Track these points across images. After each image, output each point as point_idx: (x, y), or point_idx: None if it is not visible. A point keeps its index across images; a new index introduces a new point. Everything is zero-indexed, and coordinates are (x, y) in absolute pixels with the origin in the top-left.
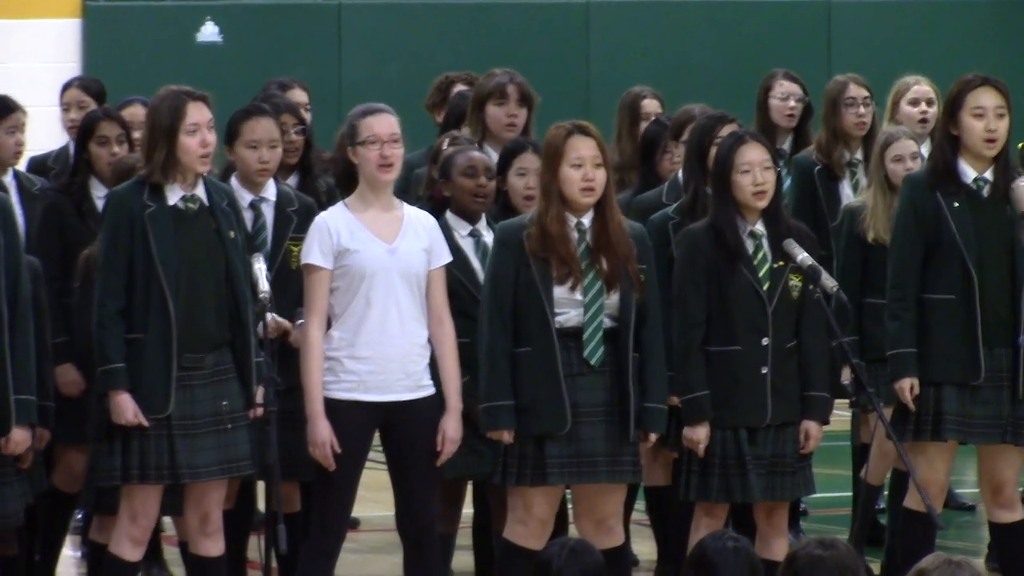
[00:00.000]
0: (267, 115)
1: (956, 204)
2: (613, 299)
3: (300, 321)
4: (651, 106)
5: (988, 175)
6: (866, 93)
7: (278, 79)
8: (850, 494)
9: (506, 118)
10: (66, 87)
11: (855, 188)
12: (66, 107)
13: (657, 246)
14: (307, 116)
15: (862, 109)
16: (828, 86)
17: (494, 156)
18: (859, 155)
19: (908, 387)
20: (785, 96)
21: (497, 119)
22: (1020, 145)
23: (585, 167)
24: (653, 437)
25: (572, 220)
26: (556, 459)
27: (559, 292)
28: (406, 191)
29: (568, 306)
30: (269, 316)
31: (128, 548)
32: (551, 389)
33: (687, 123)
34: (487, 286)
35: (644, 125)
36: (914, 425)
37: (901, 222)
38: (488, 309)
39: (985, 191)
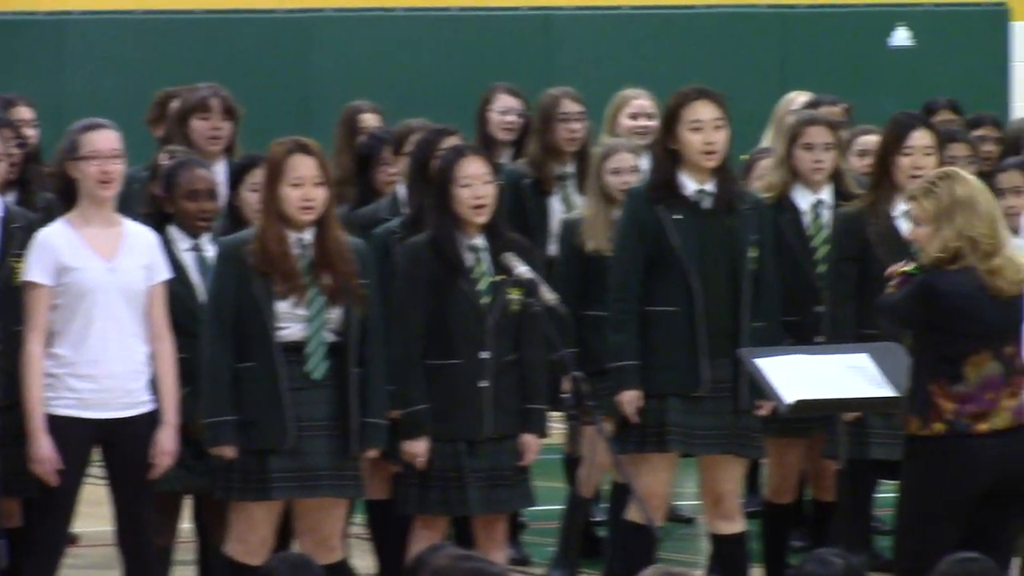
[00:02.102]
0: None
1: (677, 217)
2: (335, 314)
3: None
4: (369, 120)
5: (709, 187)
6: (580, 108)
7: (3, 95)
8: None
9: (210, 131)
10: None
11: (565, 202)
12: None
13: (379, 260)
14: (33, 132)
15: (575, 124)
16: (541, 100)
17: None
18: (570, 168)
19: (629, 399)
20: (504, 110)
21: (201, 132)
22: (742, 157)
23: (305, 186)
24: (373, 452)
25: (293, 236)
26: (279, 474)
27: (282, 307)
28: (127, 206)
29: (291, 321)
30: None
31: None
32: (273, 404)
33: (407, 136)
34: (209, 301)
35: (361, 139)
36: (638, 437)
37: (623, 235)
38: (210, 324)
39: (706, 203)
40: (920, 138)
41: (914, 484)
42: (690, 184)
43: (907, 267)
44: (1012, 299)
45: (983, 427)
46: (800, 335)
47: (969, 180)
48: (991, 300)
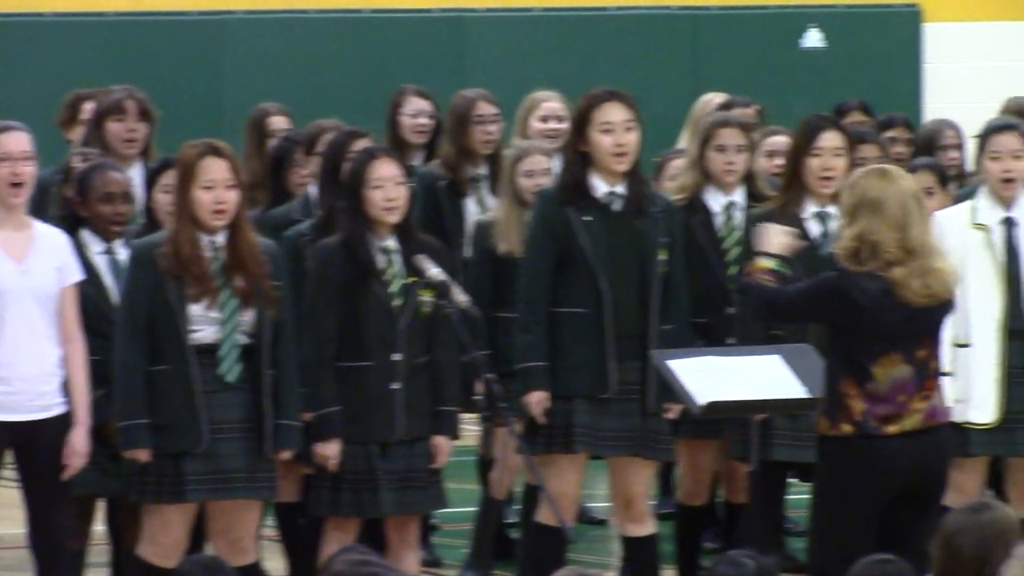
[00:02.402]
0: None
1: (587, 219)
2: (248, 316)
3: None
4: (278, 123)
5: (620, 189)
6: (495, 110)
7: None
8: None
9: (125, 133)
10: None
11: (480, 204)
12: None
13: (291, 262)
14: None
15: (490, 127)
16: (456, 102)
17: None
18: (483, 170)
19: (537, 400)
20: (415, 113)
21: (116, 135)
22: (654, 159)
23: (217, 189)
24: (287, 454)
25: (205, 239)
26: (194, 476)
27: (195, 310)
28: (40, 209)
29: (204, 323)
30: None
31: None
32: (187, 407)
33: (319, 137)
34: (122, 304)
35: (272, 142)
36: (545, 438)
37: (532, 236)
38: (123, 327)
39: (617, 205)
40: (830, 140)
41: (826, 485)
42: (601, 186)
43: (770, 263)
44: (924, 308)
45: (893, 429)
46: (711, 337)
47: (890, 183)
48: (899, 306)
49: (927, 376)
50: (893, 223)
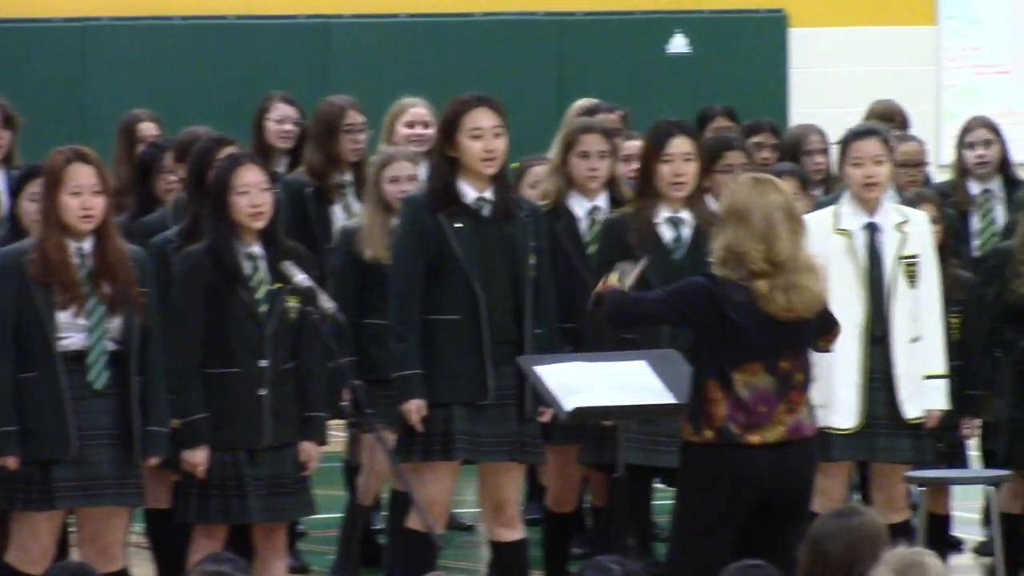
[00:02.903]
0: None
1: (458, 225)
2: (116, 323)
3: None
4: (148, 129)
5: (488, 195)
6: (363, 119)
7: None
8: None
9: None
10: None
11: (346, 210)
12: None
13: (158, 269)
14: None
15: (359, 136)
16: (324, 109)
17: None
18: (349, 176)
19: (415, 408)
20: (281, 119)
21: None
22: (513, 165)
23: (84, 195)
24: (155, 460)
25: (72, 246)
26: (63, 483)
27: (63, 317)
28: None
29: (71, 330)
30: None
31: None
32: (55, 414)
33: (191, 144)
34: None
35: (140, 147)
36: (423, 445)
37: (402, 243)
38: None
39: (486, 211)
40: (679, 145)
41: (687, 491)
42: (470, 192)
43: (614, 278)
44: (789, 321)
45: (754, 439)
46: (579, 342)
47: (760, 194)
48: (763, 317)
49: (791, 388)
50: (758, 235)
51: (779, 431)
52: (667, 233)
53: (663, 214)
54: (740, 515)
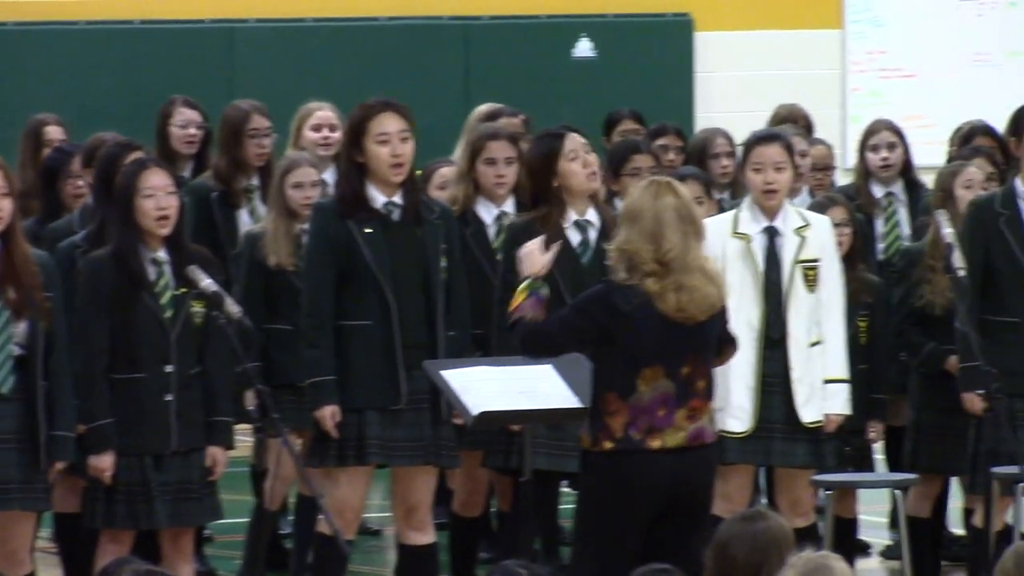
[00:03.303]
0: None
1: (368, 230)
2: (21, 328)
3: None
4: (54, 133)
5: (397, 199)
6: (268, 124)
7: None
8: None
9: None
10: None
11: (252, 214)
12: None
13: (65, 274)
14: None
15: (264, 140)
16: (229, 113)
17: None
18: (255, 181)
19: (329, 414)
20: (184, 124)
21: None
22: (418, 172)
23: None
24: (61, 465)
25: None
26: None
27: None
28: None
29: None
30: None
31: None
32: None
33: (98, 149)
34: None
35: (46, 152)
36: (337, 451)
37: (312, 250)
38: None
39: (396, 216)
40: (574, 140)
41: (588, 499)
42: (379, 197)
43: (523, 288)
44: (686, 324)
45: (655, 444)
46: (487, 348)
47: (653, 196)
48: (659, 319)
49: (693, 395)
50: (647, 235)
51: (679, 436)
52: (574, 237)
53: (571, 218)
54: (642, 521)
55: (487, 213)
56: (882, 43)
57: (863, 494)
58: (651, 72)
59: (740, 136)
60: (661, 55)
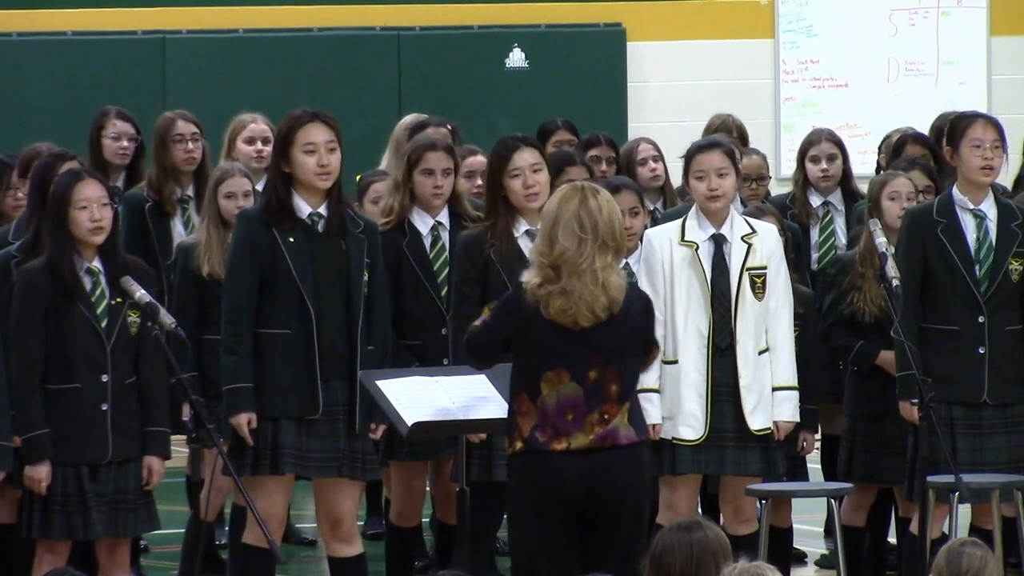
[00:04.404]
0: None
1: (292, 239)
2: None
3: None
4: None
5: (323, 210)
6: (194, 128)
7: None
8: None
9: None
10: None
11: (187, 224)
12: None
13: (0, 284)
14: None
15: (190, 145)
16: (158, 122)
17: None
18: (190, 191)
19: (244, 421)
20: (117, 135)
21: None
22: (358, 177)
23: None
24: None
25: None
26: None
27: None
28: None
29: None
30: None
31: None
32: None
33: (34, 160)
34: None
35: None
36: (252, 459)
37: (235, 257)
38: None
39: (320, 226)
40: (526, 158)
41: (510, 503)
42: (304, 207)
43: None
44: (584, 329)
45: (559, 446)
46: (426, 358)
47: (561, 201)
48: (553, 324)
49: (604, 400)
50: (545, 238)
51: (587, 439)
52: (526, 246)
53: (522, 228)
54: (560, 522)
55: (423, 223)
56: (815, 52)
57: (798, 503)
58: (584, 82)
59: (673, 146)
60: (594, 65)
